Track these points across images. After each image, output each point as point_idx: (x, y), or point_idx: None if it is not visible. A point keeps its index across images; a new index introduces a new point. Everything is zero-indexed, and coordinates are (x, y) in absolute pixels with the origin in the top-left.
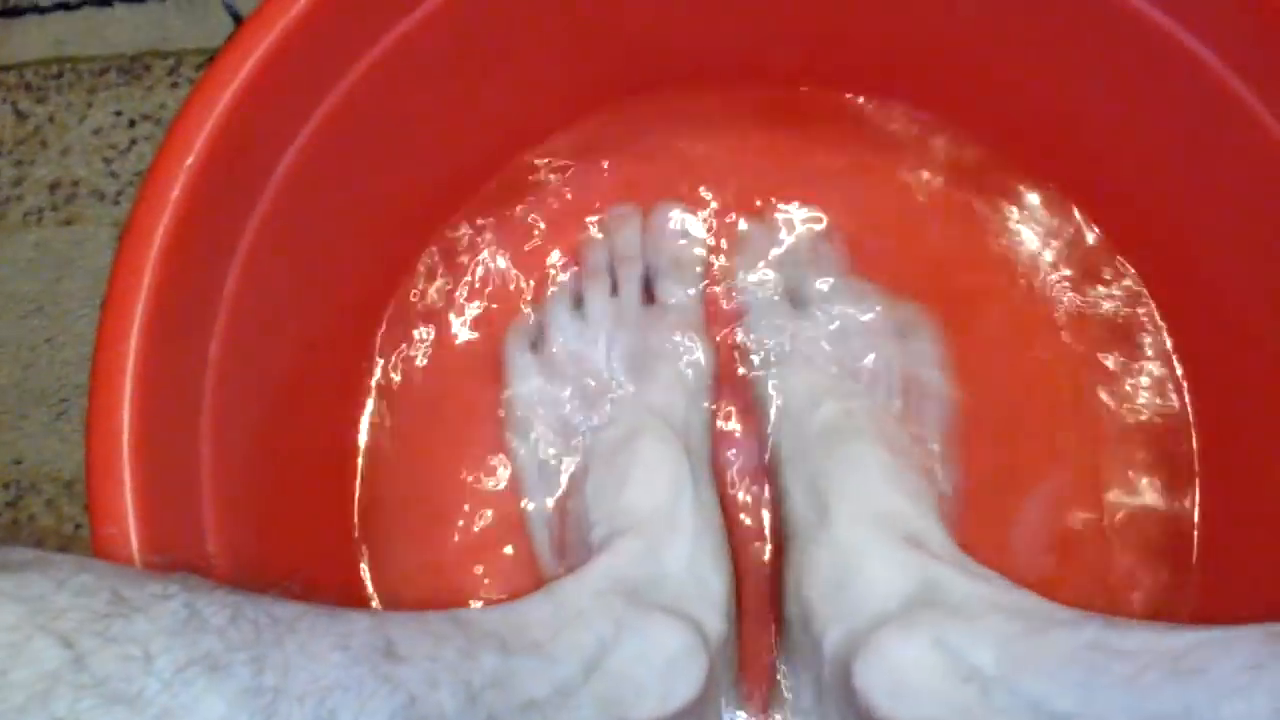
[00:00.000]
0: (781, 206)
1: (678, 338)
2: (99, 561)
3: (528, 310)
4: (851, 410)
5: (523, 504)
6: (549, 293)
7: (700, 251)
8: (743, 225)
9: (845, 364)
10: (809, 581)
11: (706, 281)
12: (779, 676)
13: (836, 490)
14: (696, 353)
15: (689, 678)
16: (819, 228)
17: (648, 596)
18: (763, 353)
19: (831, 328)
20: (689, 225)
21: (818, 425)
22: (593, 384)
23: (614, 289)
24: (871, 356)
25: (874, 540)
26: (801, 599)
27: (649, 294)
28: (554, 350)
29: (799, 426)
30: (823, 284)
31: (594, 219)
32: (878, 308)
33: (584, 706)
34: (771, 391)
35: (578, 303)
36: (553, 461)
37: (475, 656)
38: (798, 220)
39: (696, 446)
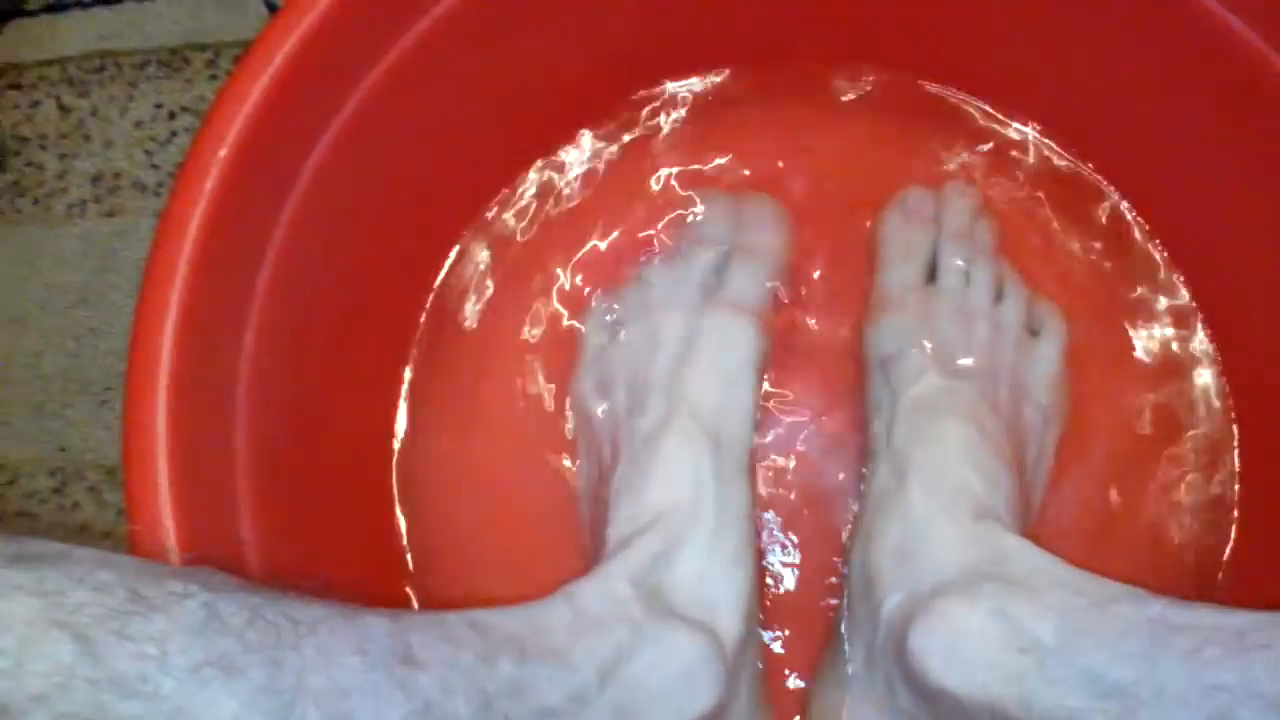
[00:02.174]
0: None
1: (726, 324)
2: (119, 557)
3: (610, 291)
4: (954, 390)
5: (577, 488)
6: (631, 274)
7: (785, 248)
8: (904, 189)
9: (962, 344)
10: (877, 548)
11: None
12: (827, 649)
13: (917, 462)
14: (743, 341)
15: (705, 687)
16: (977, 202)
17: (665, 600)
18: (882, 309)
19: (960, 304)
20: (779, 218)
21: (915, 396)
22: (644, 369)
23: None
24: (992, 345)
25: (946, 512)
26: (868, 565)
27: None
28: (622, 332)
29: (896, 392)
30: (967, 258)
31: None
32: (1014, 298)
33: (600, 715)
34: (877, 349)
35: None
36: (597, 447)
37: (492, 663)
38: (962, 192)
39: (729, 440)
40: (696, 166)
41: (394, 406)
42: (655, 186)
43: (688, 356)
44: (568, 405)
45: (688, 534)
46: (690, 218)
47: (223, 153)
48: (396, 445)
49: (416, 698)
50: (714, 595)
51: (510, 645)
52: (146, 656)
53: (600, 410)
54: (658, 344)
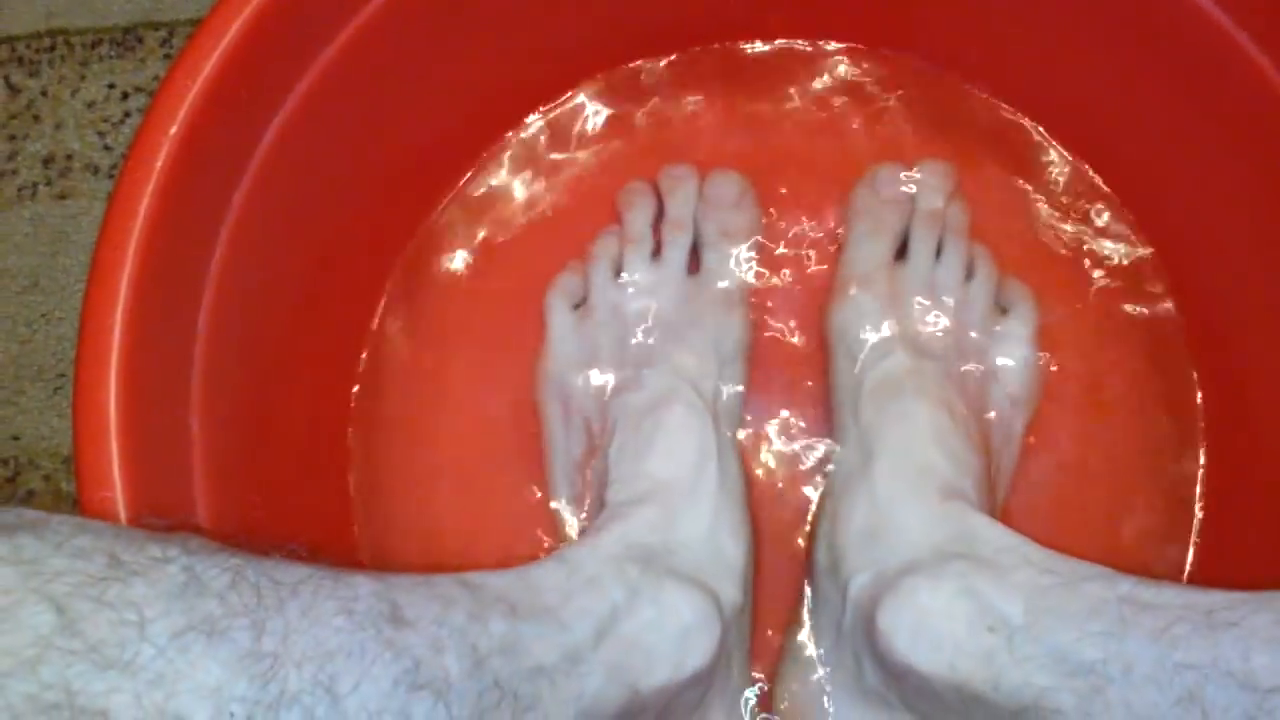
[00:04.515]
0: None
1: (719, 310)
2: (99, 523)
3: (571, 269)
4: (921, 369)
5: (548, 461)
6: (592, 252)
7: (756, 225)
8: (877, 165)
9: (930, 323)
10: (843, 528)
11: (755, 256)
12: (793, 629)
13: (883, 441)
14: (735, 325)
15: (701, 647)
16: (952, 181)
17: (663, 563)
18: (850, 286)
19: (929, 283)
20: (747, 196)
21: (881, 375)
22: (627, 347)
23: (656, 250)
24: (960, 324)
25: (913, 492)
26: (834, 544)
27: (693, 258)
28: (594, 311)
29: (862, 371)
30: (939, 237)
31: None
32: (984, 278)
33: (593, 674)
34: (843, 327)
35: (619, 265)
36: (581, 420)
37: (483, 621)
38: (937, 171)
39: (725, 417)
40: (662, 144)
41: (350, 385)
42: (621, 163)
43: (682, 340)
44: (536, 380)
45: (690, 502)
46: (648, 195)
47: (174, 130)
48: (354, 419)
49: (405, 657)
50: (717, 561)
51: (501, 604)
52: (125, 623)
53: (580, 383)
54: (646, 324)
